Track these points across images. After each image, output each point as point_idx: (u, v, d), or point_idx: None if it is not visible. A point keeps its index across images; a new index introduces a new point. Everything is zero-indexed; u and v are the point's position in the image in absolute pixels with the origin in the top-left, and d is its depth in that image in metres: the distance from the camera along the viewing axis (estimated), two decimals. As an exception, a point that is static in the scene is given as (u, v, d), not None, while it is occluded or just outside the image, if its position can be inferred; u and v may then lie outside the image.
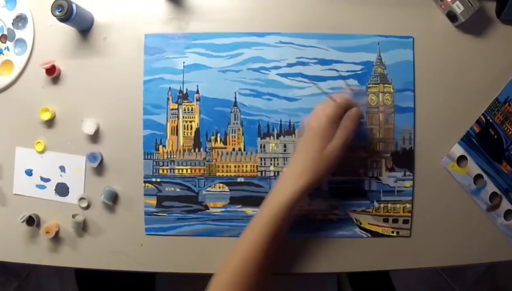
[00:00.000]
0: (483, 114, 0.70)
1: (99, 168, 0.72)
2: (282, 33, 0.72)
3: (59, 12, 0.64)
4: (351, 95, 0.66)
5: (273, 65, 0.72)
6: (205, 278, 0.60)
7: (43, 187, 0.73)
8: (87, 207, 0.72)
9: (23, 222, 0.70)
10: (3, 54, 0.73)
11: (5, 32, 0.73)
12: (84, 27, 0.71)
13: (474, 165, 0.70)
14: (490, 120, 0.69)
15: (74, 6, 0.66)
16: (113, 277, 0.84)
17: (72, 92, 0.73)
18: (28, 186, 0.73)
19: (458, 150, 0.70)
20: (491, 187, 0.70)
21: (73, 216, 0.71)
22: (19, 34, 0.73)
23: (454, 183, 0.71)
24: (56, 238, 0.72)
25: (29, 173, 0.73)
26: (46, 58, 0.72)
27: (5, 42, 0.73)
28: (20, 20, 0.73)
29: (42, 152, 0.72)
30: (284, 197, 0.60)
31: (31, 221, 0.71)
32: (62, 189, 0.72)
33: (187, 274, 0.73)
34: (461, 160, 0.70)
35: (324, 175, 0.62)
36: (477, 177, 0.70)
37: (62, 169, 0.72)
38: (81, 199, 0.72)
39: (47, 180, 0.73)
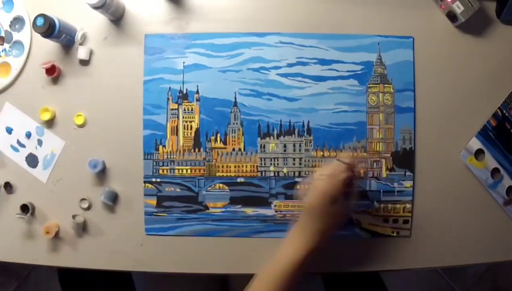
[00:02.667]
0: (499, 107, 0.70)
1: (99, 168, 0.72)
2: (282, 33, 0.72)
3: (40, 26, 0.65)
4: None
5: (273, 65, 0.72)
6: (184, 279, 0.60)
7: (16, 150, 0.73)
8: (88, 208, 0.72)
9: (19, 214, 0.71)
10: (0, 56, 0.73)
11: (2, 35, 0.73)
12: (66, 43, 0.72)
13: (491, 159, 0.70)
14: (506, 114, 0.69)
15: (56, 21, 0.66)
16: (93, 277, 0.85)
17: (72, 92, 0.73)
18: (3, 142, 0.74)
19: (475, 143, 0.70)
20: (507, 181, 0.70)
21: (73, 217, 0.71)
22: (16, 36, 0.73)
23: (453, 183, 0.71)
24: (56, 238, 0.72)
25: (9, 130, 0.73)
26: (44, 59, 0.72)
27: (2, 44, 0.73)
28: (18, 22, 0.73)
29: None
30: (294, 255, 0.59)
31: (25, 208, 0.71)
32: (32, 160, 0.73)
33: (182, 274, 0.73)
34: (478, 153, 0.70)
35: (330, 236, 0.62)
36: (494, 171, 0.70)
37: (40, 142, 0.73)
38: (82, 199, 0.72)
39: (23, 146, 0.73)
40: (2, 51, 0.73)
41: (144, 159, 0.72)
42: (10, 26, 0.73)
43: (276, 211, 0.72)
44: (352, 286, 0.91)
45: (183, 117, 0.73)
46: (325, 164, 0.65)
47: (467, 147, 0.71)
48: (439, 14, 0.71)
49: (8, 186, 0.73)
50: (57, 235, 0.72)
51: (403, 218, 0.71)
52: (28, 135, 0.73)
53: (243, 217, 0.72)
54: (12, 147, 0.73)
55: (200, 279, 0.90)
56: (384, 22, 0.72)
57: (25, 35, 0.73)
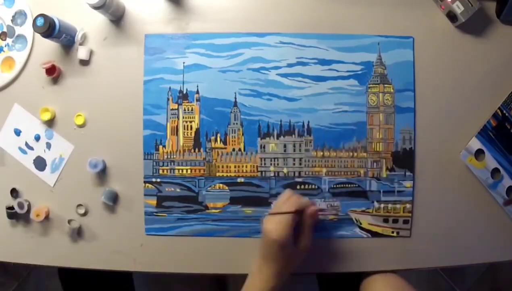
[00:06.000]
0: (499, 108, 0.70)
1: (99, 168, 0.72)
2: (282, 33, 0.72)
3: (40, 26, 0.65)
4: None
5: (273, 65, 0.72)
6: (182, 280, 0.61)
7: (24, 152, 0.73)
8: (85, 214, 0.72)
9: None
10: (3, 51, 0.73)
11: (5, 30, 0.73)
12: (66, 43, 0.72)
13: (491, 159, 0.70)
14: (506, 114, 0.69)
15: (56, 21, 0.66)
16: (95, 277, 0.85)
17: (72, 92, 0.73)
18: (12, 144, 0.73)
19: (475, 143, 0.70)
20: (507, 181, 0.70)
21: (69, 222, 0.71)
22: (19, 30, 0.73)
23: (453, 183, 0.71)
24: (56, 238, 0.72)
25: (17, 132, 0.73)
26: (45, 57, 0.72)
27: (5, 40, 0.73)
28: (20, 16, 0.73)
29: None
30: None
31: (20, 206, 0.72)
32: (40, 163, 0.73)
33: (182, 274, 0.73)
34: (478, 153, 0.70)
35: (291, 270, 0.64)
36: (494, 171, 0.70)
37: (48, 145, 0.73)
38: (79, 205, 0.72)
39: (31, 148, 0.73)
40: (5, 46, 0.73)
41: (144, 159, 0.72)
42: (12, 20, 0.73)
43: (276, 211, 0.72)
44: (346, 288, 0.90)
45: (183, 117, 0.73)
46: (278, 203, 0.66)
47: (467, 147, 0.71)
48: (439, 14, 0.71)
49: (14, 192, 0.73)
50: (57, 235, 0.72)
51: (403, 218, 0.71)
52: (37, 138, 0.72)
53: (243, 217, 0.72)
54: (20, 149, 0.73)
55: (200, 279, 0.90)
56: (384, 22, 0.72)
57: (27, 29, 0.73)
